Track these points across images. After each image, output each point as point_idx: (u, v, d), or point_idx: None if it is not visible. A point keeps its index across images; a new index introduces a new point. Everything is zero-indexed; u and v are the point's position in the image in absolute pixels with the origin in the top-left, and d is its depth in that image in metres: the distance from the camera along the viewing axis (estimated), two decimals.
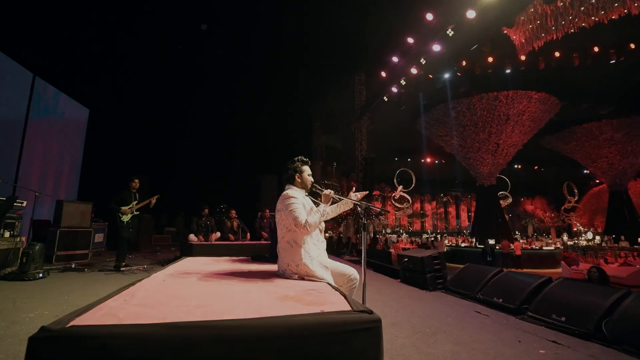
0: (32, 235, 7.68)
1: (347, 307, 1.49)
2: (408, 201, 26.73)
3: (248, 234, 7.73)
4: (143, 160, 13.06)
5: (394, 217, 35.39)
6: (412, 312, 3.35)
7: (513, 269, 15.05)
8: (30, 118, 8.14)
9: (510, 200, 22.41)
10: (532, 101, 17.28)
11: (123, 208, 6.00)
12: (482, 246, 13.97)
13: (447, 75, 16.39)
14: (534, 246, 17.26)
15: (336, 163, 30.05)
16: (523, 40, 12.53)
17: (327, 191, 2.51)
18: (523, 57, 14.61)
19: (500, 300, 3.59)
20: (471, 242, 18.34)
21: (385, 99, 12.70)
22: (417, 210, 37.16)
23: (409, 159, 31.25)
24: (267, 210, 7.71)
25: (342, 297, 1.70)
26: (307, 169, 2.61)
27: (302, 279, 2.28)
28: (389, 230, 34.84)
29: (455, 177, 32.26)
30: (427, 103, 19.77)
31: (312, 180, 2.67)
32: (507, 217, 24.40)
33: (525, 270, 15.00)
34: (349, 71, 17.47)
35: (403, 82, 10.89)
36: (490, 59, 15.30)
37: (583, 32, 11.67)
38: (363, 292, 2.17)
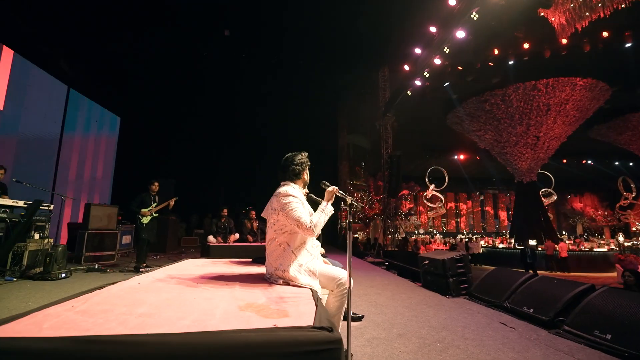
0: (68, 237, 8.23)
1: (310, 322, 1.24)
2: (441, 200, 25.61)
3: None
4: (171, 164, 13.58)
5: (426, 217, 34.11)
6: (425, 322, 2.99)
7: (559, 273, 13.74)
8: (65, 127, 8.70)
9: (554, 197, 20.62)
10: (577, 89, 15.72)
11: (143, 210, 6.15)
12: (522, 247, 12.86)
13: (477, 66, 15.41)
14: (582, 247, 15.65)
15: (364, 163, 29.59)
16: (564, 22, 11.40)
17: (332, 188, 2.28)
18: (564, 41, 13.33)
19: (531, 310, 3.10)
20: (510, 243, 17.03)
21: (409, 93, 12.11)
22: (451, 210, 35.49)
23: (440, 156, 29.96)
24: None
25: (314, 309, 1.46)
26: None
27: (287, 284, 2.07)
28: (421, 231, 33.60)
29: (492, 174, 30.38)
30: (458, 97, 18.77)
31: None
32: (551, 216, 22.47)
33: (573, 274, 13.62)
34: (373, 67, 17.02)
35: (427, 74, 10.28)
36: (525, 45, 14.10)
37: (636, 6, 10.36)
38: (348, 299, 1.90)
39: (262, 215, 2.33)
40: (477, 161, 28.39)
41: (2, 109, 6.93)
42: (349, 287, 1.93)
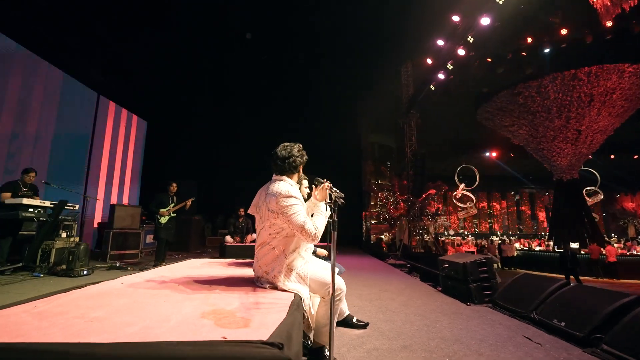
0: (98, 236, 8.67)
1: (267, 335, 1.08)
2: (472, 200, 24.37)
3: None
4: (198, 165, 13.95)
5: (456, 217, 32.74)
6: (436, 333, 2.71)
7: (606, 279, 12.49)
8: (95, 132, 9.19)
9: (600, 196, 18.87)
10: (625, 76, 14.23)
11: (161, 210, 6.30)
12: (561, 250, 11.83)
13: (509, 57, 14.46)
14: (635, 251, 14.14)
15: (390, 162, 28.94)
16: (607, 3, 10.38)
17: (323, 185, 2.09)
18: (609, 23, 12.14)
19: (563, 323, 2.71)
20: (548, 245, 15.77)
21: (432, 87, 11.57)
22: (484, 210, 33.78)
23: (471, 154, 28.64)
24: None
25: (282, 318, 1.29)
26: None
27: (275, 288, 1.92)
28: (451, 232, 32.32)
29: (529, 171, 28.51)
30: (489, 90, 17.76)
31: None
32: (597, 217, 20.62)
33: (623, 281, 12.32)
34: (396, 63, 16.53)
35: (450, 67, 9.74)
36: (563, 31, 13.00)
37: None
38: (332, 304, 1.71)
39: (249, 212, 2.18)
40: (511, 158, 26.76)
41: (38, 117, 7.42)
42: (332, 292, 1.74)
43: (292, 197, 1.90)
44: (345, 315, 2.83)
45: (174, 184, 6.61)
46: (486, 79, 16.12)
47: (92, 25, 9.05)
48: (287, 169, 2.07)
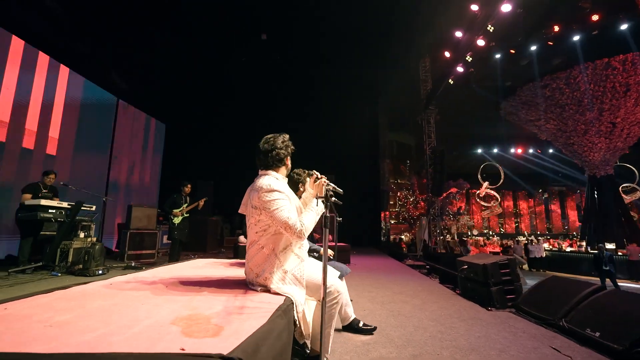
0: (118, 237, 8.91)
1: (232, 346, 0.93)
2: (496, 199, 23.39)
3: None
4: (216, 166, 14.11)
5: (480, 216, 31.62)
6: (451, 341, 2.47)
7: None
8: (116, 135, 9.46)
9: (639, 194, 17.56)
10: None
11: (174, 211, 6.35)
12: (596, 251, 11.01)
13: (534, 48, 13.71)
14: None
15: (409, 161, 28.33)
16: None
17: (323, 179, 1.93)
18: None
19: (597, 334, 2.40)
20: (580, 246, 14.78)
21: (451, 81, 11.09)
22: (509, 209, 32.41)
23: (495, 151, 27.56)
24: None
25: (257, 327, 1.14)
26: None
27: (268, 291, 1.78)
28: (475, 232, 31.22)
29: (558, 168, 27.03)
30: (512, 84, 16.96)
31: None
32: (635, 215, 19.21)
33: None
34: (413, 59, 16.08)
35: (469, 59, 9.28)
36: (594, 17, 12.14)
37: None
38: (322, 312, 1.54)
39: (239, 211, 2.05)
40: (538, 154, 25.47)
41: (60, 122, 7.70)
42: (324, 295, 1.57)
43: (275, 191, 1.76)
44: (351, 319, 2.65)
45: (189, 185, 6.66)
46: (509, 71, 15.39)
47: (110, 30, 9.34)
48: (271, 163, 1.94)
